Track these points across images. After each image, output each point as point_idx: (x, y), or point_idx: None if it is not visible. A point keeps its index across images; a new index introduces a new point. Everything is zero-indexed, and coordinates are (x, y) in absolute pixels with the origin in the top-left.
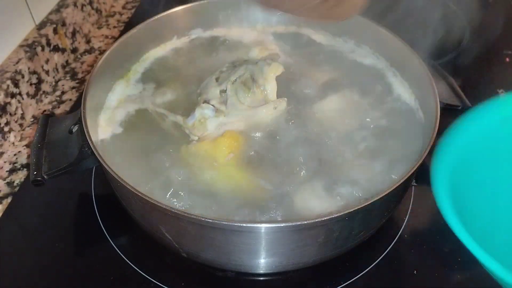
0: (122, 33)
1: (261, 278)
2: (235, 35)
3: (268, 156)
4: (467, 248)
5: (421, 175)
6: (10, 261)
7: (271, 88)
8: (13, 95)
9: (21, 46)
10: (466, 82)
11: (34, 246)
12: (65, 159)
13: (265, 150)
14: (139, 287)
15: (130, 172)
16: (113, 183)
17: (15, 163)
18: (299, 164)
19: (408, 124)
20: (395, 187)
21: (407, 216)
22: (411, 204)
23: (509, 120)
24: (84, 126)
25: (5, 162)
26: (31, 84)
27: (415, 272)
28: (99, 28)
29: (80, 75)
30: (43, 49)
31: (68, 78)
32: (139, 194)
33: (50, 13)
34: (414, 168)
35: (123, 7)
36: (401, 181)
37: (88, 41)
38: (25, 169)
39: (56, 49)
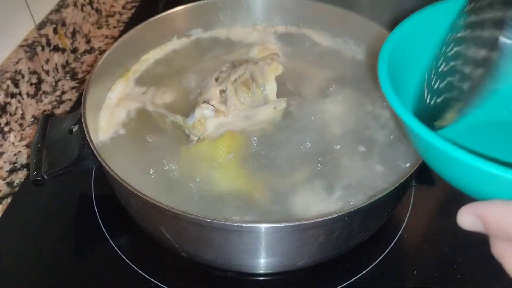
0: (122, 33)
1: (261, 278)
2: (235, 35)
3: (268, 156)
4: (396, 112)
5: (421, 175)
6: (10, 261)
7: (271, 88)
8: (13, 95)
9: (21, 46)
10: None
11: (34, 246)
12: (65, 159)
13: (265, 150)
14: (139, 287)
15: (130, 172)
16: (113, 183)
17: (15, 163)
18: (299, 164)
19: None
20: (395, 187)
21: (407, 216)
22: (411, 204)
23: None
24: (84, 126)
25: (5, 162)
26: (31, 84)
27: (415, 272)
28: (99, 28)
29: (80, 75)
30: (43, 49)
31: (68, 78)
32: (139, 194)
33: (50, 13)
34: (414, 168)
35: (123, 7)
36: (401, 181)
37: (88, 41)
38: (25, 169)
39: (56, 49)
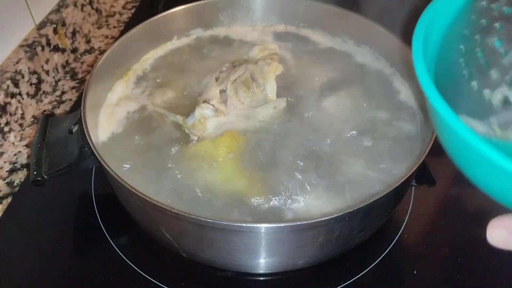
0: (122, 33)
1: (261, 278)
2: (235, 35)
3: (268, 156)
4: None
5: (421, 175)
6: (10, 261)
7: (271, 87)
8: (13, 95)
9: (21, 46)
10: None
11: (34, 246)
12: (65, 159)
13: (265, 150)
14: (139, 287)
15: (130, 172)
16: (113, 183)
17: (15, 163)
18: (299, 164)
19: (408, 124)
20: (395, 187)
21: (407, 216)
22: (411, 204)
23: None
24: (84, 126)
25: (5, 162)
26: (31, 84)
27: (415, 272)
28: (99, 28)
29: (80, 75)
30: (43, 49)
31: (68, 78)
32: (139, 194)
33: (50, 13)
34: (414, 168)
35: (123, 7)
36: (401, 181)
37: (88, 41)
38: (25, 169)
39: (56, 49)
